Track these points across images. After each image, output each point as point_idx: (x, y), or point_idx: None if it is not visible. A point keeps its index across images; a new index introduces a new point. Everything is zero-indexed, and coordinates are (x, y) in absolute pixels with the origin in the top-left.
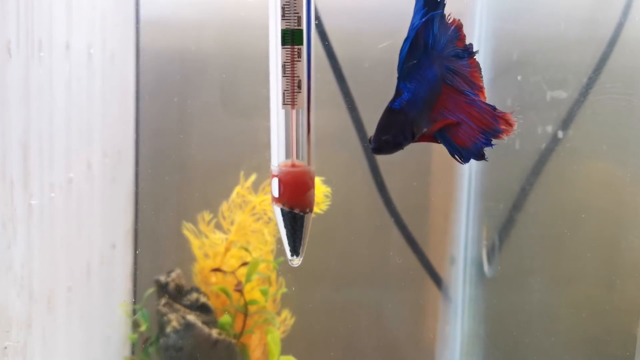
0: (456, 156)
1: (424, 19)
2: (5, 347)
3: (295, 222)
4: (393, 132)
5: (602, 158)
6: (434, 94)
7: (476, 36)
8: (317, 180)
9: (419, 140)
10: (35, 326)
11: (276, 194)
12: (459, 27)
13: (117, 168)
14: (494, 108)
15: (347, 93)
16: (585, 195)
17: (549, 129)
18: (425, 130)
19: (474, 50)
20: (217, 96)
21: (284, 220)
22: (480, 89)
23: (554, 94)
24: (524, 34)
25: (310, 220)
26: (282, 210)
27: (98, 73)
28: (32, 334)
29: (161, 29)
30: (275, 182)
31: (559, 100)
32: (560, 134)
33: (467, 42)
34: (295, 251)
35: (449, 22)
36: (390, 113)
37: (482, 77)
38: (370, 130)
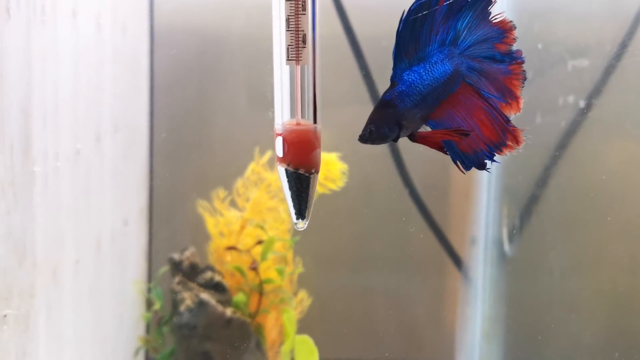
0: (458, 163)
1: (418, 3)
2: (5, 315)
3: (300, 184)
4: (378, 123)
5: (630, 133)
6: (440, 91)
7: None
8: (333, 157)
9: (421, 142)
10: (39, 297)
11: (280, 154)
12: (507, 29)
13: (129, 143)
14: (507, 120)
15: (366, 71)
16: (612, 172)
17: (571, 99)
18: (420, 126)
19: (522, 57)
20: (233, 72)
21: (289, 181)
22: (516, 98)
23: (575, 62)
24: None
25: (316, 182)
26: (286, 170)
27: (108, 44)
28: (35, 304)
29: (175, 3)
30: (279, 141)
31: (581, 69)
32: (581, 104)
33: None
34: (300, 214)
35: (494, 21)
36: (380, 103)
37: (522, 87)
38: None
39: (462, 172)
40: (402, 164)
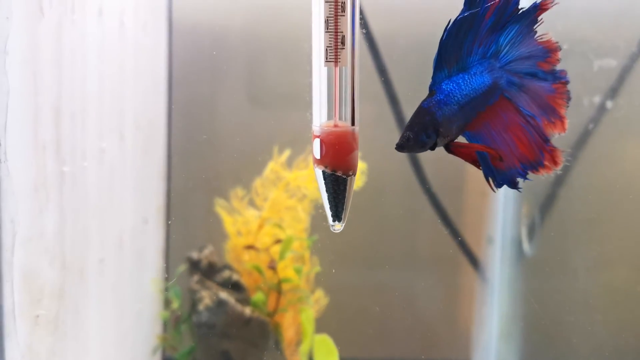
0: (490, 179)
1: (463, 15)
2: (37, 316)
3: (337, 186)
4: (416, 130)
5: None
6: (477, 102)
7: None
8: None
9: (455, 153)
10: (68, 297)
11: (318, 156)
12: (552, 49)
13: (149, 141)
14: (546, 140)
15: (383, 69)
16: (634, 171)
17: (596, 99)
18: (457, 136)
19: (566, 77)
20: (251, 71)
21: (326, 183)
22: (561, 117)
23: (602, 62)
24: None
25: (353, 184)
26: (323, 172)
27: (130, 42)
28: (64, 304)
29: (195, 1)
30: (317, 142)
31: (607, 70)
32: (608, 104)
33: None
34: (337, 216)
35: (540, 40)
36: (419, 111)
37: (567, 106)
38: (405, 106)
39: (493, 189)
40: (417, 162)
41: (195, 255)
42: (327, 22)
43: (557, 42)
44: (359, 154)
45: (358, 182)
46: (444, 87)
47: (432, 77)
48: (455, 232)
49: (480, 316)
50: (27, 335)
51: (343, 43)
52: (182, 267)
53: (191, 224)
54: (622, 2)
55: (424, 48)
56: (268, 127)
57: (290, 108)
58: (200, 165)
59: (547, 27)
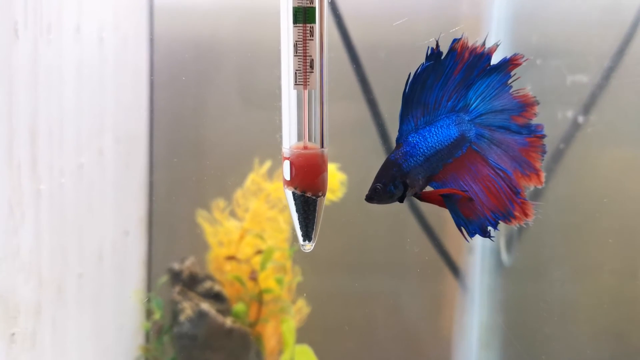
0: (462, 229)
1: (423, 68)
2: (13, 334)
3: (307, 207)
4: (384, 181)
5: (625, 144)
6: (443, 154)
7: (495, 18)
8: (333, 167)
9: (426, 200)
10: (45, 313)
11: (288, 177)
12: (528, 104)
13: (130, 155)
14: (517, 192)
15: (364, 80)
16: (607, 182)
17: (569, 114)
18: (424, 186)
19: (541, 132)
20: (232, 83)
21: (296, 204)
22: (536, 171)
23: (574, 78)
24: (545, 17)
25: (322, 205)
26: (293, 194)
27: (110, 58)
28: (41, 321)
29: (175, 15)
30: (286, 164)
31: (580, 85)
32: (580, 119)
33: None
34: (307, 236)
35: (516, 94)
36: (386, 163)
37: (542, 160)
38: (387, 117)
39: (466, 239)
40: None
41: (176, 266)
42: (295, 46)
43: (534, 97)
44: (339, 165)
45: (337, 193)
46: (410, 139)
47: (399, 130)
48: (437, 241)
49: (461, 325)
50: (3, 353)
51: (312, 67)
52: (164, 278)
53: (173, 235)
54: (595, 16)
55: (405, 59)
56: (249, 138)
57: (272, 120)
58: (181, 177)
59: (523, 41)
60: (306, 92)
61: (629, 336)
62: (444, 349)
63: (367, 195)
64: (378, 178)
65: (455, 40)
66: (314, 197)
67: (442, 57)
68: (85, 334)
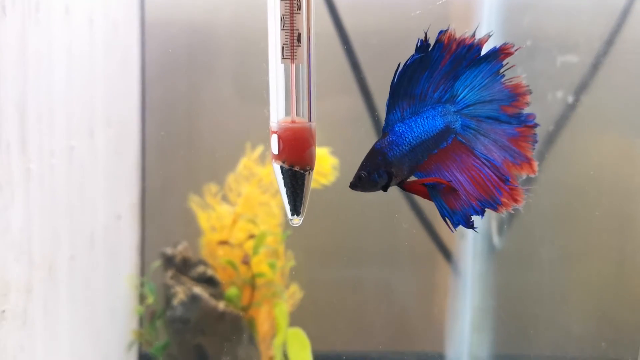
0: (446, 219)
1: (413, 59)
2: (4, 311)
3: (295, 181)
4: (368, 169)
5: (616, 127)
6: (429, 144)
7: (487, 1)
8: (324, 152)
9: (410, 190)
10: (36, 293)
11: (275, 151)
12: (519, 93)
13: (121, 139)
14: (506, 180)
15: (357, 66)
16: (598, 165)
17: (559, 94)
18: (408, 176)
19: (532, 121)
20: (225, 68)
21: (284, 178)
22: (528, 160)
23: (564, 59)
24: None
25: (311, 179)
26: (281, 168)
27: (100, 41)
28: (32, 300)
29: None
30: (274, 138)
31: (571, 66)
32: (570, 99)
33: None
34: (295, 210)
35: (508, 83)
36: (372, 152)
37: (532, 149)
38: (379, 103)
39: (451, 230)
40: None
41: (169, 250)
42: (282, 20)
43: (526, 86)
44: (331, 149)
45: (330, 177)
46: (396, 128)
47: (385, 120)
48: (429, 227)
49: (453, 309)
50: None
51: (299, 40)
52: (157, 263)
53: (166, 220)
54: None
55: (398, 45)
56: (241, 123)
57: (263, 104)
58: (174, 162)
59: (514, 24)
60: (293, 66)
61: (616, 318)
62: (436, 333)
63: (351, 183)
64: (363, 166)
65: (441, 32)
66: (302, 172)
67: (429, 49)
68: (77, 316)
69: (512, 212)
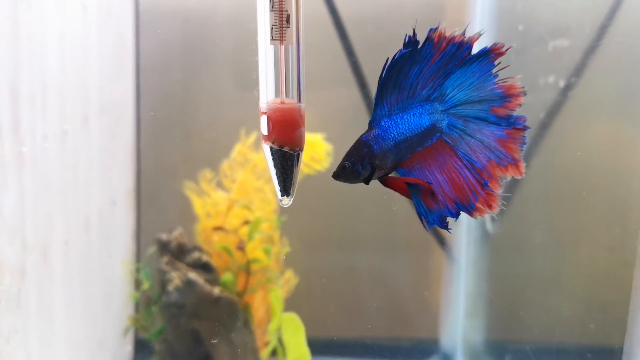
0: (422, 217)
1: (401, 53)
2: None
3: (285, 161)
4: (352, 160)
5: (609, 113)
6: (413, 141)
7: None
8: (318, 137)
9: (390, 186)
10: (30, 276)
11: (265, 132)
12: (512, 94)
13: (116, 125)
14: (484, 184)
15: (351, 54)
16: (591, 151)
17: (551, 79)
18: (391, 171)
19: (522, 124)
20: (219, 54)
21: (274, 159)
22: (515, 161)
23: (555, 43)
24: None
25: (300, 160)
26: (271, 148)
27: (94, 27)
28: (26, 283)
29: None
30: (264, 119)
31: (562, 50)
32: (561, 84)
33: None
34: (285, 191)
35: (501, 84)
36: (357, 143)
37: (520, 150)
38: (374, 90)
39: (425, 228)
40: None
41: (164, 236)
42: (272, 1)
43: (520, 88)
44: (325, 135)
45: (324, 163)
46: (382, 123)
47: (372, 113)
48: None
49: (447, 295)
50: None
51: (288, 22)
52: (152, 249)
53: (161, 206)
54: None
55: (393, 33)
56: (235, 109)
57: (256, 89)
58: (169, 148)
59: (507, 9)
60: (282, 47)
61: (605, 301)
62: (431, 317)
63: (334, 173)
64: (347, 156)
65: (432, 30)
66: (291, 152)
67: (419, 46)
68: (72, 301)
69: (485, 218)
